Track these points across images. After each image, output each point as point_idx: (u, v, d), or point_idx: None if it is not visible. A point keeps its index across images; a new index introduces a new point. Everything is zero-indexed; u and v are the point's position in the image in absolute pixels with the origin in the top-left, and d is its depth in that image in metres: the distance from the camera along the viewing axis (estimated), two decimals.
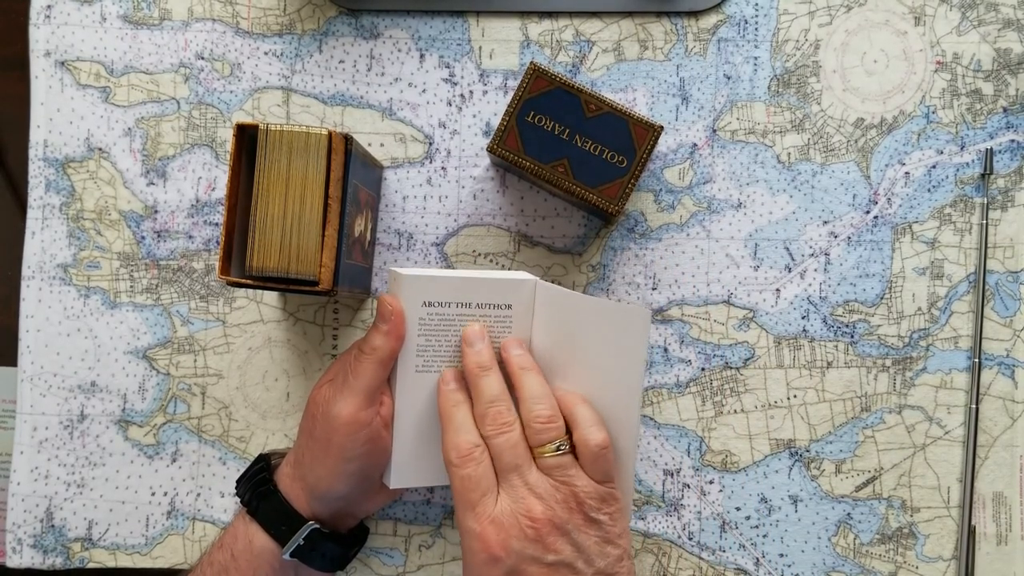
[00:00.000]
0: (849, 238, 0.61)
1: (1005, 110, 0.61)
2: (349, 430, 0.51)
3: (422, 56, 0.62)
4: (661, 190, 0.62)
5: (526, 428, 0.50)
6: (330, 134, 0.49)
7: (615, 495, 0.50)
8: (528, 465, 0.49)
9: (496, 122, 0.62)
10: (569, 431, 0.51)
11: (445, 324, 0.53)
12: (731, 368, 0.61)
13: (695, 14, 0.62)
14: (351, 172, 0.51)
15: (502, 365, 0.53)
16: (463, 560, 0.49)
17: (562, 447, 0.50)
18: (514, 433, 0.50)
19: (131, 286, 0.62)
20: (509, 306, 0.53)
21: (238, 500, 0.56)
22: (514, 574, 0.47)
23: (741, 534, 0.61)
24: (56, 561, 0.62)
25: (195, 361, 0.62)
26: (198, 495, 0.62)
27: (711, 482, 0.61)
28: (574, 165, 0.54)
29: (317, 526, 0.53)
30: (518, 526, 0.47)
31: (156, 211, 0.62)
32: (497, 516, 0.48)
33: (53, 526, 0.62)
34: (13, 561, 0.62)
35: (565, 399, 0.52)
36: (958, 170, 0.61)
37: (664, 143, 0.62)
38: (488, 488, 0.49)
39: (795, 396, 0.61)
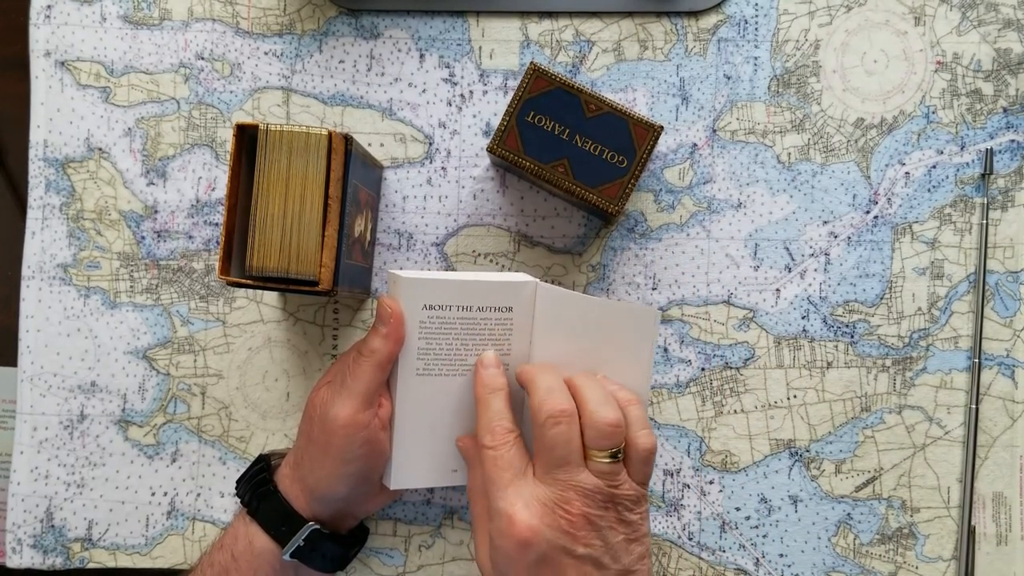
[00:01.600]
0: (849, 238, 0.61)
1: (1005, 110, 0.61)
2: (347, 432, 0.51)
3: (422, 56, 0.62)
4: (661, 190, 0.62)
5: (589, 428, 0.48)
6: (330, 134, 0.49)
7: (646, 496, 0.50)
8: (579, 463, 0.48)
9: (496, 122, 0.62)
10: None
11: (446, 327, 0.52)
12: (731, 368, 0.61)
13: (695, 14, 0.62)
14: (351, 172, 0.51)
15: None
16: (490, 543, 0.48)
17: (619, 454, 0.49)
18: (572, 426, 0.48)
19: (131, 286, 0.62)
20: (510, 308, 0.53)
21: (238, 500, 0.56)
22: (543, 561, 0.47)
23: (741, 534, 0.61)
24: (56, 561, 0.62)
25: (195, 361, 0.62)
26: (198, 495, 0.62)
27: (711, 482, 0.61)
28: (574, 165, 0.54)
29: (317, 527, 0.53)
30: (554, 516, 0.47)
31: (156, 211, 0.62)
32: (531, 501, 0.47)
33: (53, 526, 0.62)
34: (13, 561, 0.62)
35: (619, 396, 0.51)
36: (958, 170, 0.61)
37: (664, 143, 0.62)
38: (520, 470, 0.48)
39: (795, 396, 0.61)
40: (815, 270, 0.61)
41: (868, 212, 0.61)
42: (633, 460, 0.50)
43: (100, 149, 0.63)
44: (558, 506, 0.47)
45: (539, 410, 0.49)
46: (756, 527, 0.61)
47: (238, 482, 0.56)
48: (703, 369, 0.61)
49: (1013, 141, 0.61)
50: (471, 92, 0.62)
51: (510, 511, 0.47)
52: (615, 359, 0.52)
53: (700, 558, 0.61)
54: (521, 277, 0.55)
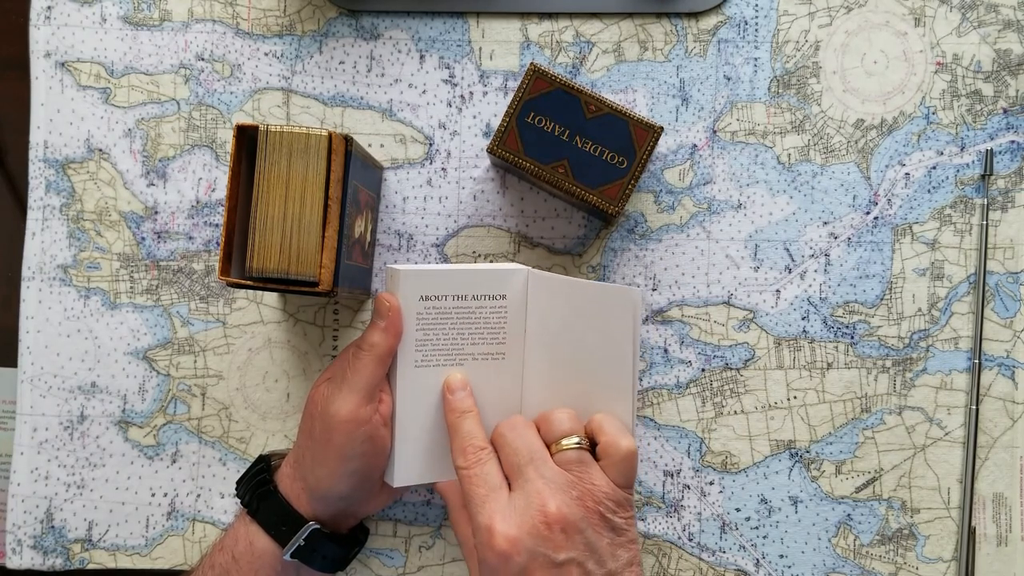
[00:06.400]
0: (849, 239, 0.61)
1: (1005, 111, 0.61)
2: (347, 428, 0.51)
3: (422, 57, 0.62)
4: (661, 191, 0.62)
5: (543, 425, 0.51)
6: (330, 135, 0.49)
7: (631, 500, 0.51)
8: (544, 459, 0.49)
9: (496, 123, 0.62)
10: (592, 442, 0.52)
11: (442, 317, 0.53)
12: (731, 369, 0.61)
13: (695, 15, 0.62)
14: (351, 173, 0.51)
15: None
16: (477, 559, 0.48)
17: (581, 442, 0.50)
18: (531, 431, 0.51)
19: (131, 287, 0.62)
20: (504, 296, 0.54)
21: (238, 501, 0.56)
22: (526, 572, 0.46)
23: (741, 535, 0.61)
24: (56, 562, 0.62)
25: (195, 362, 0.62)
26: (198, 496, 0.62)
27: (711, 483, 0.61)
28: (574, 166, 0.54)
29: (317, 526, 0.53)
30: (531, 522, 0.47)
31: (156, 212, 0.62)
32: (508, 512, 0.48)
33: (53, 527, 0.62)
34: (13, 562, 0.62)
35: (589, 415, 0.53)
36: (958, 171, 0.61)
37: (664, 144, 0.62)
38: (495, 484, 0.49)
39: (795, 397, 0.61)
40: (815, 271, 0.61)
41: (868, 213, 0.61)
42: (612, 460, 0.50)
43: (100, 150, 0.63)
44: (535, 511, 0.47)
45: (497, 427, 0.52)
46: (756, 528, 0.61)
47: (238, 483, 0.56)
48: (703, 370, 0.61)
49: (1013, 142, 0.61)
50: (471, 93, 0.62)
51: (488, 524, 0.47)
52: (601, 339, 0.54)
53: (700, 559, 0.61)
54: (514, 266, 0.56)
